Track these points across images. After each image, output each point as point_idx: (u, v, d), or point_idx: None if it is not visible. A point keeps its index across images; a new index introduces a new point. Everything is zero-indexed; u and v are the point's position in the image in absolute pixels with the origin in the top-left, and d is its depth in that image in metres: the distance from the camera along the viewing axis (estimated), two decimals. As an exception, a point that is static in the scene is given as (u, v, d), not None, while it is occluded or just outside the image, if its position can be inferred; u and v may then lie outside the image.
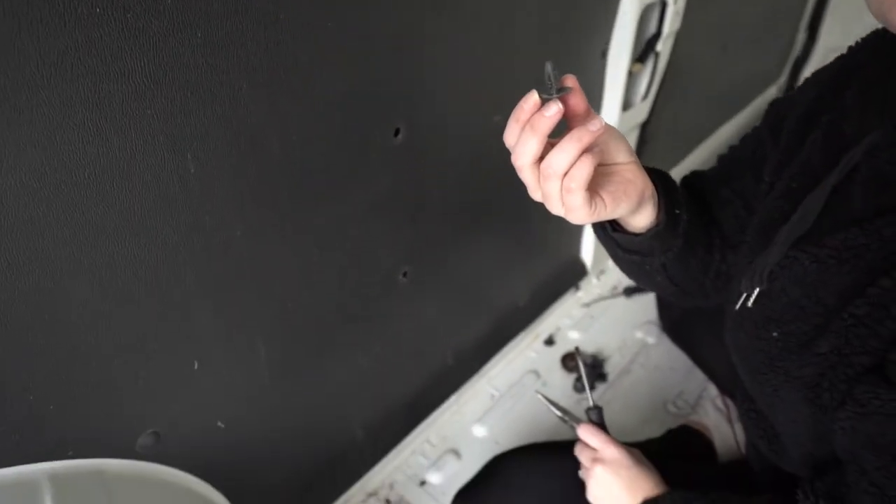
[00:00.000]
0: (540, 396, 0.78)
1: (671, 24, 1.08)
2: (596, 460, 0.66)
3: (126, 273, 0.52)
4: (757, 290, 0.52)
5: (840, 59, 0.54)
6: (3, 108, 0.39)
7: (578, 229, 1.28)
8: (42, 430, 0.53)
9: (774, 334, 0.50)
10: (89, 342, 0.52)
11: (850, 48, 0.54)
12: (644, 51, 1.10)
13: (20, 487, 0.50)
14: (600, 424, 0.71)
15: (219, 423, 0.70)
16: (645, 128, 1.23)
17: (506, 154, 0.98)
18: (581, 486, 0.67)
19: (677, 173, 1.61)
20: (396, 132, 0.71)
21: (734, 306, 0.55)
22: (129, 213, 0.50)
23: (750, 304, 0.53)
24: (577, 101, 0.45)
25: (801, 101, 0.55)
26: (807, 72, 2.12)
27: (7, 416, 0.50)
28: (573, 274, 1.31)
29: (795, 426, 0.49)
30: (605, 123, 0.46)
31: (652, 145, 1.33)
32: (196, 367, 0.63)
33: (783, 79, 2.10)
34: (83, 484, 0.55)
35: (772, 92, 2.07)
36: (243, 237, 0.60)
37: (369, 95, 0.65)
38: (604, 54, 1.03)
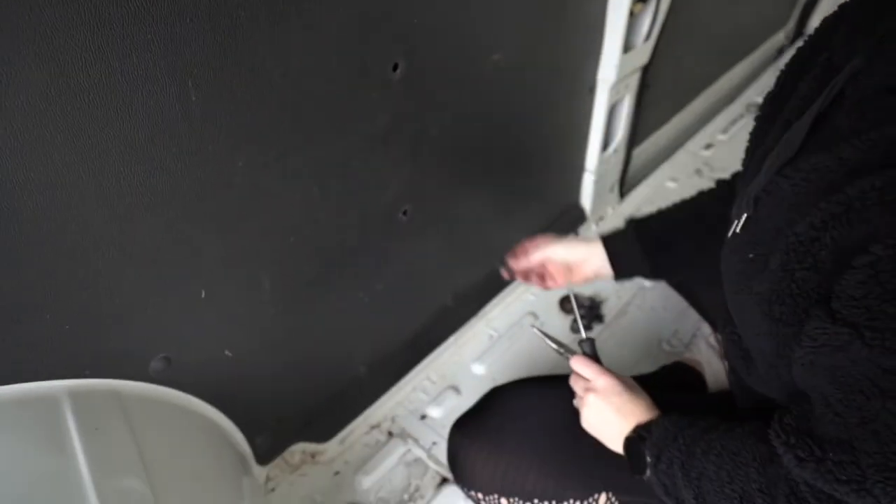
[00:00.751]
0: (536, 331, 0.80)
1: (675, -39, 1.06)
2: (588, 389, 0.69)
3: (132, 199, 0.54)
4: (745, 216, 0.54)
5: (826, 17, 0.56)
6: (6, 28, 0.40)
7: (578, 176, 1.29)
8: (59, 349, 0.55)
9: (750, 255, 0.52)
10: (98, 265, 0.54)
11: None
12: (646, -11, 1.08)
13: (42, 401, 0.53)
14: (593, 356, 0.73)
15: (226, 352, 0.73)
16: (647, 71, 1.22)
17: (505, 95, 0.98)
18: (576, 414, 0.70)
19: (681, 119, 1.61)
20: (395, 67, 0.71)
21: (727, 234, 0.57)
22: (133, 138, 0.51)
23: (738, 230, 0.55)
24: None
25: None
26: (816, 17, 2.07)
27: (25, 333, 0.52)
28: (572, 219, 1.33)
29: (760, 342, 0.52)
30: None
31: (654, 90, 1.32)
32: (203, 295, 0.65)
33: (791, 24, 2.05)
34: (100, 401, 0.58)
35: (779, 38, 2.03)
36: (245, 168, 0.61)
37: (368, 28, 0.65)
38: (605, -7, 1.02)
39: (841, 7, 0.54)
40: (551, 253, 0.84)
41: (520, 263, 0.87)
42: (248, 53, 0.55)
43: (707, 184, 1.50)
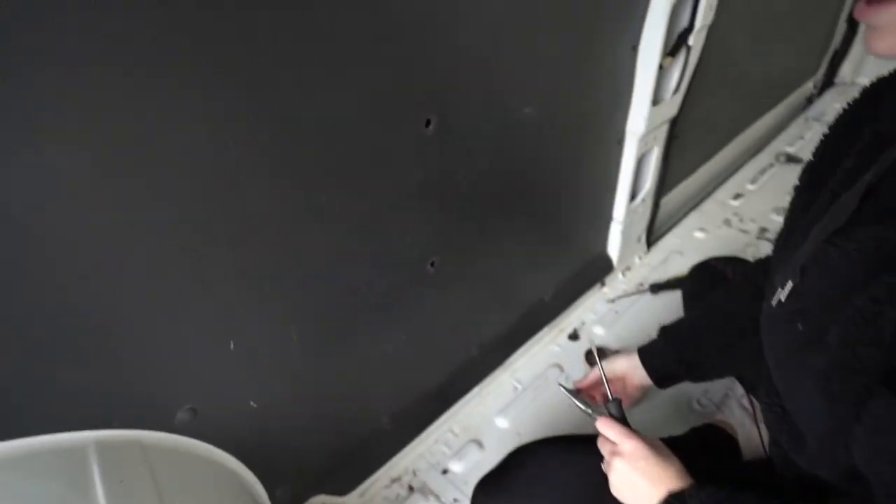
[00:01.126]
0: (562, 388, 0.78)
1: (703, 17, 1.07)
2: (615, 453, 0.66)
3: (163, 244, 0.54)
4: (790, 285, 0.53)
5: (867, 87, 0.57)
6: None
7: (605, 224, 1.28)
8: (90, 400, 0.56)
9: (799, 326, 0.50)
10: (130, 314, 0.55)
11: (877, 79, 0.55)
12: (675, 45, 1.09)
13: (69, 452, 0.53)
14: (620, 417, 0.71)
15: (251, 403, 0.72)
16: (675, 122, 1.22)
17: (534, 147, 0.99)
18: (604, 479, 0.68)
19: (709, 168, 1.60)
20: (427, 123, 0.72)
21: (770, 301, 0.56)
22: (167, 182, 0.52)
23: (783, 298, 0.53)
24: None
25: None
26: (846, 66, 2.07)
27: (59, 385, 0.53)
28: (599, 269, 1.31)
29: (813, 420, 0.49)
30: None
31: (682, 140, 1.32)
32: (232, 347, 0.65)
33: (820, 73, 2.05)
34: (126, 453, 0.58)
35: (808, 87, 2.03)
36: (278, 219, 0.62)
37: (402, 86, 0.67)
38: (634, 48, 1.03)
39: (885, 79, 0.54)
40: (598, 371, 0.85)
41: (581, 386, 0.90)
42: (284, 108, 0.57)
43: (735, 234, 1.50)
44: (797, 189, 0.66)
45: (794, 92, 1.94)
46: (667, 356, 0.82)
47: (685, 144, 1.37)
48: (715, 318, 0.81)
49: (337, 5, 0.55)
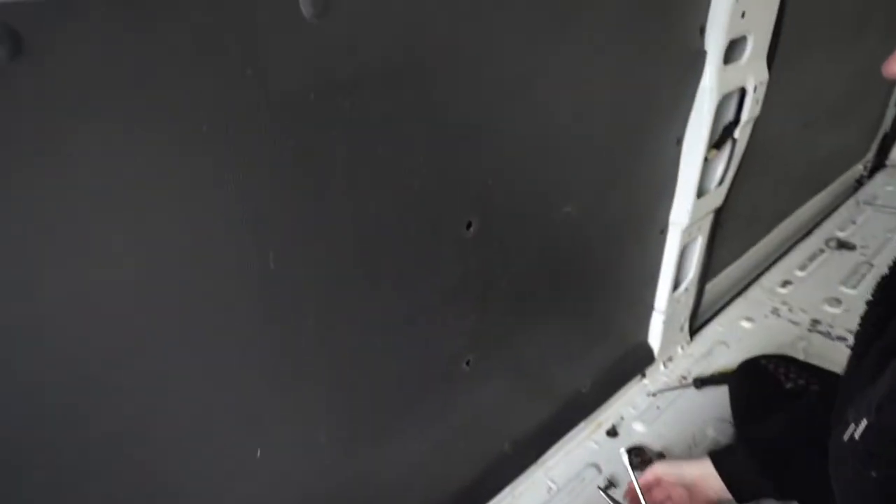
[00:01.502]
0: (602, 494, 0.73)
1: (750, 111, 1.06)
2: None
3: (194, 360, 0.53)
4: (864, 423, 0.49)
5: None
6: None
7: (646, 313, 1.23)
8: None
9: (873, 474, 0.46)
10: (152, 428, 0.54)
11: None
12: (721, 137, 1.07)
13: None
14: None
15: (275, 509, 0.69)
16: (720, 211, 1.19)
17: (574, 242, 0.97)
18: None
19: (755, 254, 1.54)
20: (468, 225, 0.72)
21: (840, 435, 0.52)
22: (211, 298, 0.51)
23: (857, 436, 0.49)
24: None
25: None
26: (896, 150, 2.01)
27: (84, 495, 0.51)
28: (639, 360, 1.26)
29: None
30: None
31: (727, 227, 1.28)
32: (258, 455, 0.63)
33: (870, 155, 2.00)
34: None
35: (857, 169, 1.97)
36: (315, 325, 0.61)
37: (444, 190, 0.66)
38: (679, 141, 1.02)
39: None
40: (660, 472, 0.79)
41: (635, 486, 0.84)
42: (327, 218, 0.56)
43: (784, 325, 1.42)
44: (870, 304, 0.62)
45: (843, 175, 1.89)
46: (749, 467, 0.74)
47: (730, 231, 1.33)
48: (800, 431, 0.74)
49: (392, 118, 0.56)
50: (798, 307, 1.44)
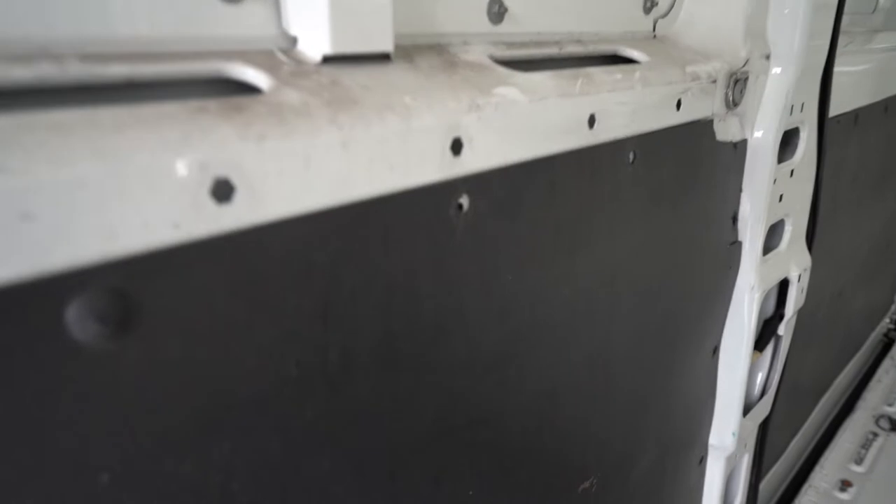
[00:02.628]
0: None
1: (796, 303, 0.84)
2: None
3: None
4: None
5: None
6: None
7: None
8: None
9: None
10: None
11: None
12: (761, 337, 0.85)
13: None
14: None
15: None
16: (767, 423, 0.94)
17: None
18: None
19: (797, 445, 1.27)
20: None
21: None
22: None
23: None
24: None
25: None
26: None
27: None
28: None
29: None
30: None
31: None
32: None
33: (895, 307, 1.81)
34: None
35: (885, 324, 1.77)
36: None
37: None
38: (715, 350, 0.79)
39: None
40: None
41: None
42: None
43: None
44: None
45: (873, 332, 1.68)
46: None
47: (773, 426, 1.07)
48: None
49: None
50: (869, 521, 1.14)
